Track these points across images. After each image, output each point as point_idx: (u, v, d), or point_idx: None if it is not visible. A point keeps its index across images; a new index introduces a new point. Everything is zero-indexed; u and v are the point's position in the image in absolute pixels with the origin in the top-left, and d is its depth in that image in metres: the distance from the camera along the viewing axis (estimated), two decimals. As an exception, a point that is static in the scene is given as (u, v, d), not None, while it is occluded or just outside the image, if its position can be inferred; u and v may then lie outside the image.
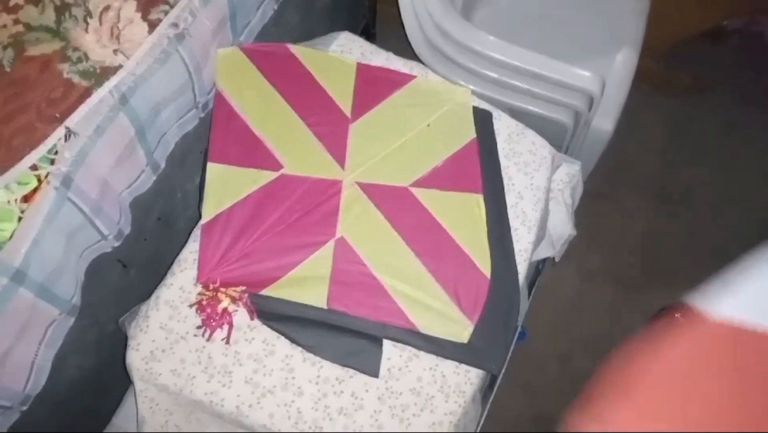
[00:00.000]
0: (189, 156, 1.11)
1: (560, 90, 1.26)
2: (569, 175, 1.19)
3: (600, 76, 1.25)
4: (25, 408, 0.89)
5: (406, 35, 1.31)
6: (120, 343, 1.00)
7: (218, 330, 0.94)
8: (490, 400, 1.17)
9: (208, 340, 0.93)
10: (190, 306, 0.95)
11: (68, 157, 0.80)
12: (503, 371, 1.18)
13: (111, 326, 1.05)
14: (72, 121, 0.80)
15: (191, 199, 1.16)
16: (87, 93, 0.82)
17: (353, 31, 1.28)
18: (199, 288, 0.96)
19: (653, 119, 2.07)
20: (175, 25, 0.91)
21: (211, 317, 0.93)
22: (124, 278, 1.08)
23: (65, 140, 0.80)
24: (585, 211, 1.24)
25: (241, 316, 0.95)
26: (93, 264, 0.95)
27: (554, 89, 1.26)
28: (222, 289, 0.94)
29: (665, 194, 1.98)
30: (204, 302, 0.94)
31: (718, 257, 1.63)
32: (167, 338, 0.94)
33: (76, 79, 0.82)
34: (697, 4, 1.77)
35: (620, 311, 1.74)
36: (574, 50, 1.47)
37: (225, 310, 0.93)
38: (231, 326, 0.93)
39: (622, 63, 1.47)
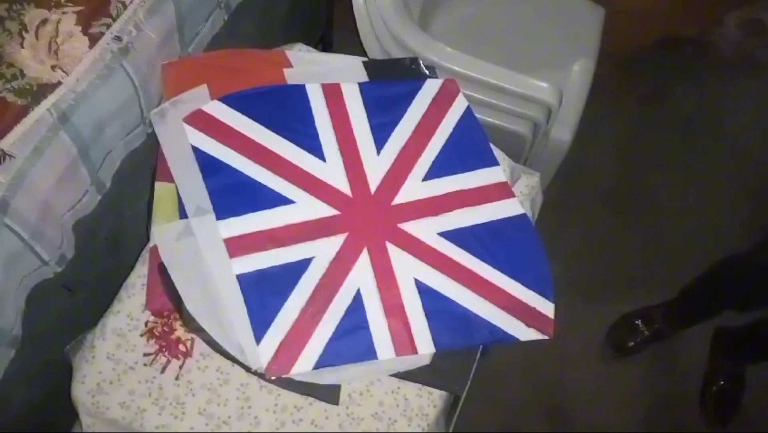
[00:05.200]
0: (138, 174, 1.06)
1: (518, 101, 1.26)
2: (529, 186, 1.18)
3: (558, 88, 1.25)
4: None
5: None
6: (67, 373, 0.95)
7: (173, 360, 0.90)
8: (454, 420, 1.14)
9: (162, 372, 0.89)
10: (141, 334, 0.91)
11: (3, 181, 0.75)
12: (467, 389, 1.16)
13: (57, 355, 1.00)
14: (7, 142, 0.76)
15: (141, 220, 1.11)
16: (23, 112, 0.77)
17: (310, 40, 1.26)
18: (148, 315, 0.92)
19: (611, 128, 2.09)
20: (119, 38, 0.86)
21: (164, 347, 0.89)
22: (71, 304, 1.02)
23: (0, 163, 0.75)
24: (545, 222, 1.23)
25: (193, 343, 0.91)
26: (35, 291, 0.90)
27: (512, 101, 1.26)
28: (176, 316, 0.90)
29: (625, 203, 1.99)
30: (156, 331, 0.90)
31: (678, 265, 1.67)
32: (115, 369, 0.89)
33: (10, 97, 0.77)
34: (650, 14, 1.79)
35: (581, 320, 1.74)
36: (531, 61, 1.47)
37: (179, 339, 0.89)
38: (185, 356, 0.89)
39: (579, 74, 1.47)
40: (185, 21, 1.02)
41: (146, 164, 1.07)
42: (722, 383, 1.67)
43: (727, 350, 1.69)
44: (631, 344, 1.72)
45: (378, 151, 1.05)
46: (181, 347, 0.90)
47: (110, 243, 1.08)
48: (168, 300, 0.90)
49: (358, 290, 0.94)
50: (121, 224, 1.09)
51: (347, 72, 1.11)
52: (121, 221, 1.09)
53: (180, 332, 0.90)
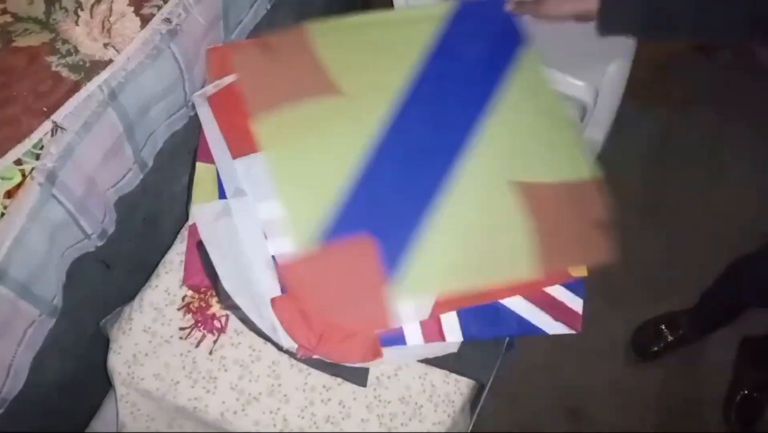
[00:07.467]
0: (177, 156, 1.08)
1: (553, 99, 1.25)
2: (561, 184, 1.18)
3: (593, 87, 1.25)
4: (0, 411, 0.86)
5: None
6: (100, 346, 0.97)
7: (208, 335, 0.92)
8: (477, 411, 1.15)
9: (197, 346, 0.91)
10: (178, 309, 0.93)
11: (54, 152, 0.77)
12: (491, 381, 1.17)
13: (91, 328, 1.02)
14: (59, 115, 0.78)
15: (177, 200, 1.14)
16: (76, 87, 0.79)
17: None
18: (185, 291, 0.94)
19: (642, 131, 2.07)
20: (168, 20, 0.88)
21: (200, 321, 0.91)
22: (107, 280, 1.05)
23: (52, 135, 0.77)
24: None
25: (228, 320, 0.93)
26: (75, 264, 0.92)
27: (548, 98, 1.25)
28: (212, 292, 0.92)
29: (652, 206, 1.98)
30: (193, 306, 0.92)
31: (704, 270, 1.66)
32: (151, 342, 0.91)
33: (64, 72, 0.80)
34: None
35: (605, 322, 1.74)
36: (566, 60, 1.46)
37: (214, 315, 0.91)
38: (220, 331, 0.91)
39: (615, 74, 1.46)
40: (230, 7, 1.04)
41: (186, 147, 1.09)
42: (747, 392, 1.66)
43: (753, 359, 1.67)
44: (655, 348, 1.71)
45: None
46: (216, 323, 0.92)
47: (148, 223, 1.10)
48: (205, 277, 0.92)
49: None
50: (158, 205, 1.11)
51: None
52: (159, 201, 1.11)
53: (216, 308, 0.92)
